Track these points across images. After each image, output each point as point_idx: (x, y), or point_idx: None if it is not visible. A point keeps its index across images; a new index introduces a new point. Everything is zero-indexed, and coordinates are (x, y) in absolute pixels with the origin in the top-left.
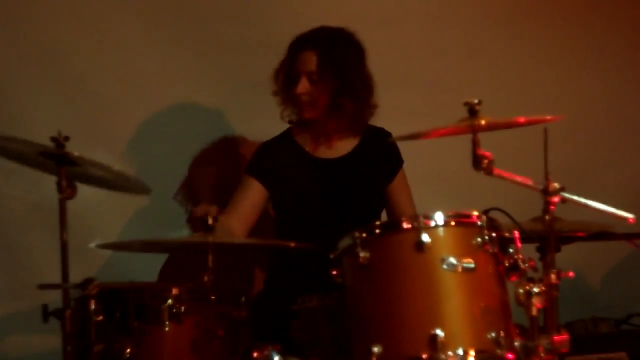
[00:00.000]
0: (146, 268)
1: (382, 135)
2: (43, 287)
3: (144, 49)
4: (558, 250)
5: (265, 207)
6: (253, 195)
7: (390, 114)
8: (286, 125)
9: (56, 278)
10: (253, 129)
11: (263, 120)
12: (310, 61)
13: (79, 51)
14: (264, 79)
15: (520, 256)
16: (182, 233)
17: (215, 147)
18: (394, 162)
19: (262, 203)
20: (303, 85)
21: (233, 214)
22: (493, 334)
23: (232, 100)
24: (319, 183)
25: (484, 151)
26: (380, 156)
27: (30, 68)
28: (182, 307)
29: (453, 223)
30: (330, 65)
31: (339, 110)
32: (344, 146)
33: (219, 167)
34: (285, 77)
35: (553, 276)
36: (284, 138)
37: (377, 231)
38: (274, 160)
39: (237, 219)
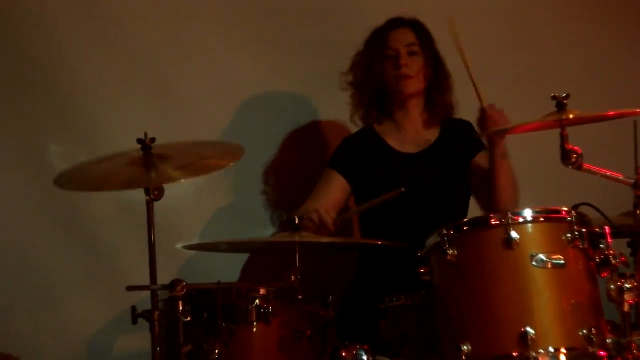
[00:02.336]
0: (230, 268)
1: (461, 124)
2: (131, 288)
3: (225, 49)
4: None
5: (346, 201)
6: (335, 189)
7: (475, 110)
8: None
9: (144, 279)
10: (333, 121)
11: (342, 112)
12: (407, 35)
13: (162, 53)
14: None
15: (611, 251)
16: (267, 232)
17: (296, 141)
18: (474, 145)
19: (344, 197)
20: (405, 58)
21: (314, 206)
22: (584, 331)
23: (312, 97)
24: (404, 178)
25: (573, 145)
26: (461, 144)
27: (115, 70)
28: (270, 307)
29: (542, 219)
30: (426, 36)
31: (429, 93)
32: (426, 138)
33: (300, 161)
34: (373, 62)
35: None
36: (367, 132)
37: (465, 228)
38: (358, 155)
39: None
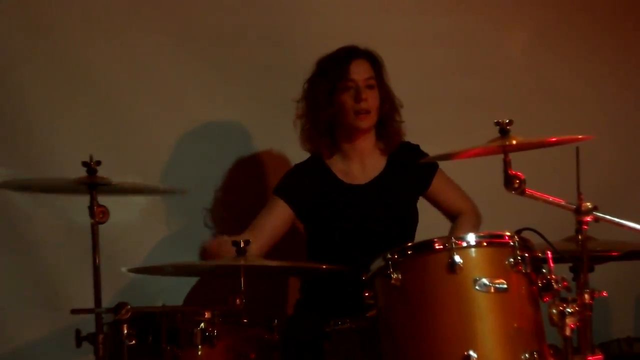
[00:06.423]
0: (177, 291)
1: (408, 148)
2: (76, 311)
3: (173, 72)
4: (591, 270)
5: (288, 228)
6: (277, 216)
7: (421, 134)
8: None
9: (89, 302)
10: (280, 148)
11: (289, 140)
12: (364, 68)
13: (110, 76)
14: (291, 99)
15: (554, 276)
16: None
17: (244, 167)
18: (426, 170)
19: (286, 225)
20: (366, 93)
21: (253, 232)
22: (527, 355)
23: (261, 121)
24: (351, 210)
25: (516, 171)
26: (410, 170)
27: (62, 92)
28: (215, 331)
29: (485, 244)
30: (381, 69)
31: (382, 126)
32: (373, 168)
33: (247, 188)
34: (333, 92)
35: (587, 296)
36: (315, 162)
37: (409, 252)
38: (304, 185)
39: (256, 237)
